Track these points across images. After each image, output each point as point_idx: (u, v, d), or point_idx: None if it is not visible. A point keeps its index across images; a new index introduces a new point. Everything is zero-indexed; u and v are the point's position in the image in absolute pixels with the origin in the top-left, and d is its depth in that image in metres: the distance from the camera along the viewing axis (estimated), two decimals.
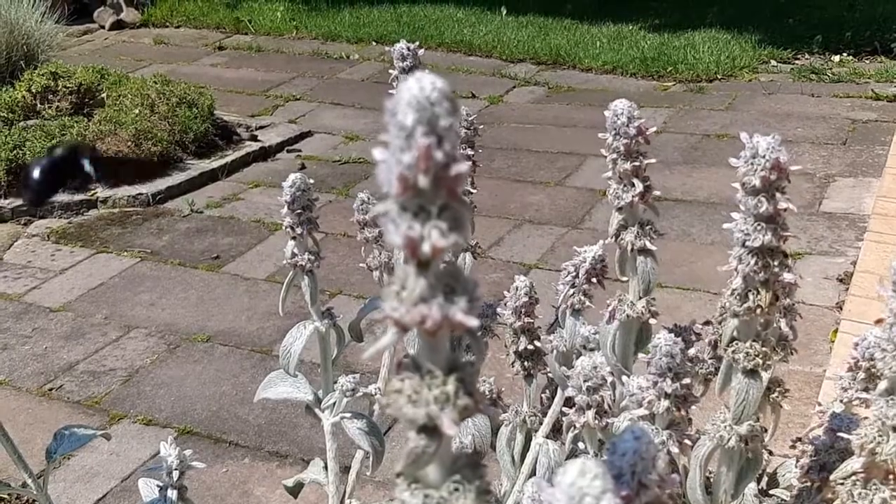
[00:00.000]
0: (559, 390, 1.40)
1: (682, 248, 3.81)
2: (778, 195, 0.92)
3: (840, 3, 7.77)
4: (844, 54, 6.67)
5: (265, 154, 5.27)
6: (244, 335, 3.34)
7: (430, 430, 0.54)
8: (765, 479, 1.33)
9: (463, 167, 0.52)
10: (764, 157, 0.91)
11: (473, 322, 0.52)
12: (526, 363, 1.40)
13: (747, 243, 0.94)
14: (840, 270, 3.49)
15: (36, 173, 1.14)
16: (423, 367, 0.55)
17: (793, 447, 1.22)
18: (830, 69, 6.36)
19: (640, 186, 1.16)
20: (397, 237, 0.51)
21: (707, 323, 1.35)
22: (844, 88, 5.89)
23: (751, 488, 1.24)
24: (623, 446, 0.62)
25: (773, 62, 6.65)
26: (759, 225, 0.93)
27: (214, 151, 5.15)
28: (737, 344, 1.00)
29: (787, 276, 0.94)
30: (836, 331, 2.95)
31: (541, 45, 7.08)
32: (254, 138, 5.43)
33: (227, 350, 3.25)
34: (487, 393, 1.46)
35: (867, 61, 6.54)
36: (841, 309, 3.09)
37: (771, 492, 1.24)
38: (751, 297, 0.96)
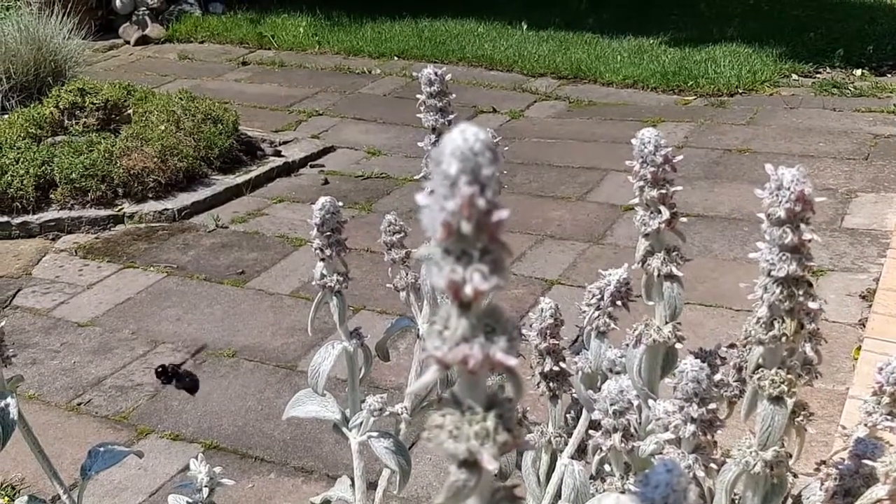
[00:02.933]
0: (584, 411, 1.42)
1: (704, 264, 3.82)
2: (802, 226, 0.94)
3: (861, 17, 7.76)
4: (866, 68, 6.66)
5: (289, 169, 5.32)
6: (269, 350, 3.38)
7: (470, 464, 0.57)
8: (789, 501, 1.34)
9: (504, 213, 0.54)
10: (789, 189, 0.93)
11: (513, 361, 0.54)
12: (551, 384, 1.42)
13: (772, 273, 0.95)
14: (863, 287, 3.49)
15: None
16: (463, 403, 0.57)
17: (817, 470, 1.23)
18: (852, 83, 6.35)
19: (666, 213, 1.18)
20: (441, 280, 0.53)
21: (732, 346, 1.37)
22: (866, 103, 5.88)
23: None
24: (656, 478, 0.64)
25: (795, 76, 6.64)
26: (784, 255, 0.95)
27: (239, 167, 5.21)
28: (762, 371, 1.02)
29: (812, 305, 0.96)
30: (858, 348, 2.95)
31: (562, 59, 7.11)
32: (277, 154, 5.48)
33: (253, 365, 3.29)
34: None
35: (889, 75, 6.53)
36: (864, 326, 3.09)
37: None
38: (776, 325, 0.98)
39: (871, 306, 3.18)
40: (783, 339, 0.97)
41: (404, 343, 3.27)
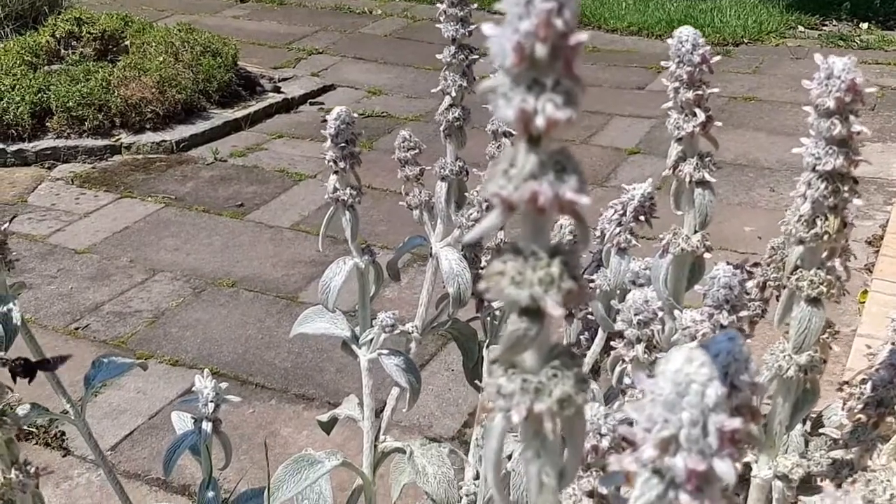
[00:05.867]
0: (600, 331, 1.40)
1: None
2: (852, 118, 0.90)
3: None
4: (873, 22, 6.59)
5: (288, 106, 5.25)
6: (269, 281, 3.35)
7: (532, 312, 0.53)
8: (808, 423, 1.32)
9: (583, 36, 0.50)
10: (839, 77, 0.89)
11: (585, 200, 0.50)
12: None
13: (818, 167, 0.92)
14: (869, 233, 3.47)
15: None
16: (525, 250, 0.54)
17: (839, 390, 1.21)
18: (858, 36, 6.28)
19: (701, 116, 1.14)
20: (510, 111, 0.49)
21: (756, 265, 1.34)
22: (873, 55, 5.81)
23: (797, 429, 1.23)
24: (716, 347, 0.61)
25: (801, 28, 6.57)
26: (830, 148, 0.92)
27: (237, 102, 5.13)
28: (801, 272, 0.99)
29: (857, 202, 0.93)
30: (865, 292, 2.94)
31: None
32: (277, 90, 5.40)
33: (253, 295, 3.26)
34: None
35: None
36: (870, 271, 3.08)
37: (821, 430, 1.23)
38: (819, 223, 0.94)
39: (877, 251, 3.17)
40: (825, 237, 0.94)
41: (406, 277, 3.25)
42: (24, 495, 1.09)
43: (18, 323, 1.50)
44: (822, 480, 1.24)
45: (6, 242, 1.50)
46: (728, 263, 1.19)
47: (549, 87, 0.50)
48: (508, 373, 0.57)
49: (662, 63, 1.20)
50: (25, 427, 2.56)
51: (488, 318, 1.68)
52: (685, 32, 1.14)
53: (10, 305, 1.54)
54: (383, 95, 5.37)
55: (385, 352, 1.60)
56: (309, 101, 5.36)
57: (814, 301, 0.98)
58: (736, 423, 0.51)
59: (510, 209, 0.53)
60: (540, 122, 0.49)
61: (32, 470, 1.11)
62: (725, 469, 0.49)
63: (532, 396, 0.55)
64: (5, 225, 1.51)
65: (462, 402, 2.64)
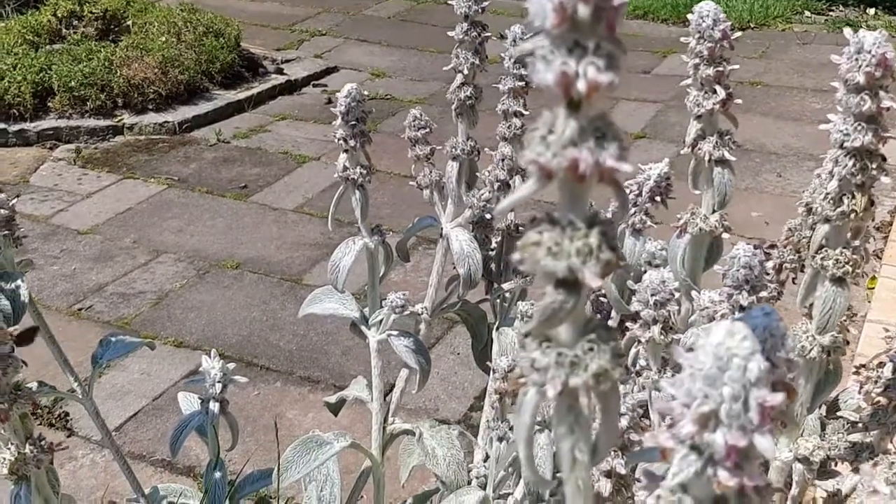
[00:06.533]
0: (612, 313, 1.38)
1: None
2: (882, 93, 0.89)
3: None
4: (880, 7, 6.55)
5: (291, 88, 5.23)
6: (273, 263, 3.33)
7: (569, 284, 0.52)
8: (823, 406, 1.31)
9: None
10: (870, 52, 0.88)
11: (626, 167, 0.49)
12: None
13: (846, 144, 0.91)
14: (877, 219, 3.45)
15: None
16: (562, 220, 0.52)
17: (856, 373, 1.20)
18: (866, 21, 6.25)
19: (722, 93, 1.12)
20: (549, 74, 0.48)
21: (772, 246, 1.32)
22: None
23: (813, 413, 1.22)
24: (753, 322, 0.60)
25: (807, 13, 6.53)
26: (859, 125, 0.90)
27: (240, 83, 5.10)
28: (826, 251, 0.97)
29: (885, 180, 0.91)
30: (874, 278, 2.92)
31: None
32: (280, 72, 5.37)
33: (257, 277, 3.24)
34: None
35: None
36: (879, 257, 3.06)
37: (838, 414, 1.22)
38: (846, 201, 0.93)
39: (886, 237, 3.15)
40: (852, 215, 0.93)
41: (412, 260, 3.23)
42: (38, 471, 1.08)
43: (26, 300, 1.48)
44: (838, 464, 1.23)
45: (14, 219, 1.48)
46: (748, 243, 1.17)
47: (590, 49, 0.48)
48: (543, 346, 0.55)
49: (682, 39, 1.18)
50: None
51: (498, 300, 1.67)
52: (706, 7, 1.12)
53: (18, 282, 1.53)
54: (387, 78, 5.34)
55: (394, 333, 1.59)
56: (312, 82, 5.34)
57: (839, 281, 0.97)
58: (779, 398, 0.49)
59: (548, 177, 0.51)
60: (581, 86, 0.48)
61: (46, 445, 1.10)
62: (766, 445, 0.47)
63: (567, 370, 0.53)
64: (13, 201, 1.49)
65: (468, 386, 2.64)
